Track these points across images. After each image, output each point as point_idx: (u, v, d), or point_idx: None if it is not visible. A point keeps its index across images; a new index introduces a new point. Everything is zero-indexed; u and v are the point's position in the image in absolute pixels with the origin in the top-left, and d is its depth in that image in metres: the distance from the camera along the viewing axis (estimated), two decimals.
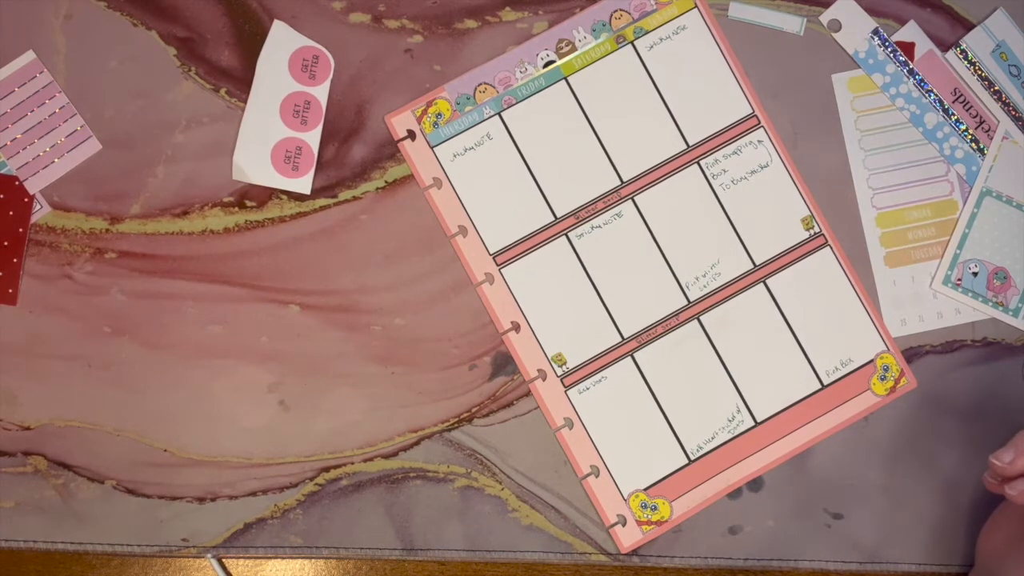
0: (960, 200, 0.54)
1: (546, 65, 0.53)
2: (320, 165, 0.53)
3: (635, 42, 0.53)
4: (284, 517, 0.52)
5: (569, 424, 0.52)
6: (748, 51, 0.53)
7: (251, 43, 0.53)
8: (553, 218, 0.53)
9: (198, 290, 0.52)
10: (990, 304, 0.53)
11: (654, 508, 0.52)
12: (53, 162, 0.53)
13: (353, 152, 0.53)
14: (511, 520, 0.52)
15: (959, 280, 0.53)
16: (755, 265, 0.53)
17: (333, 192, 0.53)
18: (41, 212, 0.53)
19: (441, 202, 0.53)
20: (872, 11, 0.54)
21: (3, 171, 0.53)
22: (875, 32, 0.54)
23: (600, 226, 0.53)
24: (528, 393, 0.52)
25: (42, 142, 0.53)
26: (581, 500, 0.52)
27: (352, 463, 0.52)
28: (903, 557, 0.52)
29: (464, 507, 0.52)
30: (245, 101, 0.53)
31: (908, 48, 0.54)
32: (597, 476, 0.52)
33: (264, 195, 0.53)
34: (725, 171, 0.53)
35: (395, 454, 0.52)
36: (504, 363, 0.52)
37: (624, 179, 0.53)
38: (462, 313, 0.52)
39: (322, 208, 0.53)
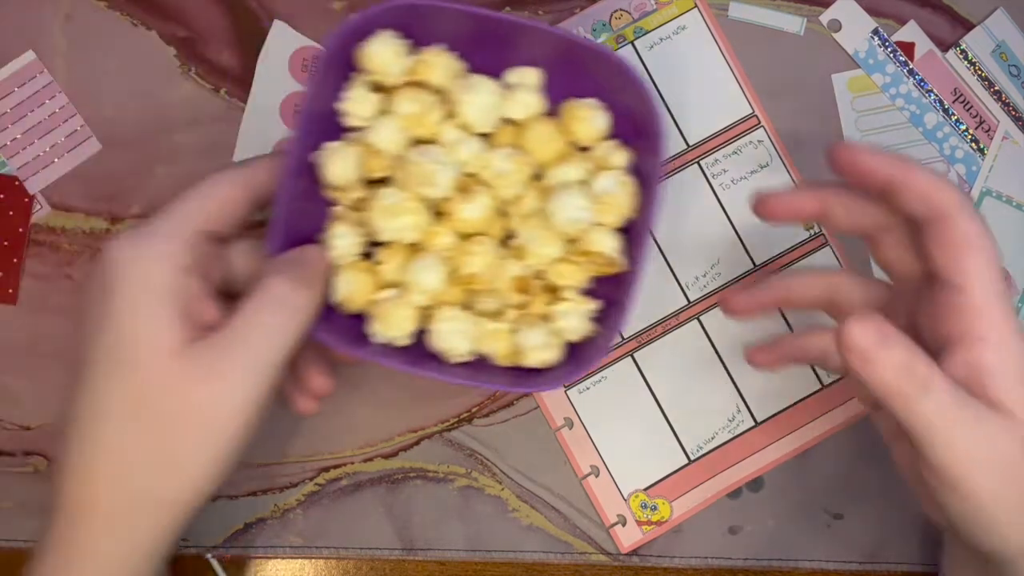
0: None
1: None
2: None
3: (635, 42, 0.53)
4: (284, 517, 0.52)
5: (569, 424, 0.52)
6: (748, 51, 0.53)
7: (251, 43, 0.53)
8: None
9: None
10: None
11: (654, 508, 0.52)
12: (53, 162, 0.53)
13: None
14: (511, 520, 0.52)
15: None
16: (755, 265, 0.53)
17: None
18: (41, 212, 0.53)
19: None
20: (872, 11, 0.54)
21: (3, 171, 0.53)
22: (875, 32, 0.54)
23: None
24: (528, 393, 0.52)
25: (42, 142, 0.53)
26: (581, 500, 0.52)
27: (352, 463, 0.52)
28: (903, 557, 0.52)
29: (464, 507, 0.52)
30: (245, 101, 0.53)
31: (908, 48, 0.54)
32: (597, 476, 0.52)
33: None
34: (725, 171, 0.53)
35: (395, 454, 0.52)
36: None
37: None
38: None
39: None
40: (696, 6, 0.53)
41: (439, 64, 0.41)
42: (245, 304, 0.37)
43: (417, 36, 0.41)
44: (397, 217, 0.40)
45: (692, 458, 0.52)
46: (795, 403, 0.52)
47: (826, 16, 0.54)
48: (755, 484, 0.52)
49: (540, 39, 0.41)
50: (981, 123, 0.54)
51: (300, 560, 0.52)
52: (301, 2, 0.53)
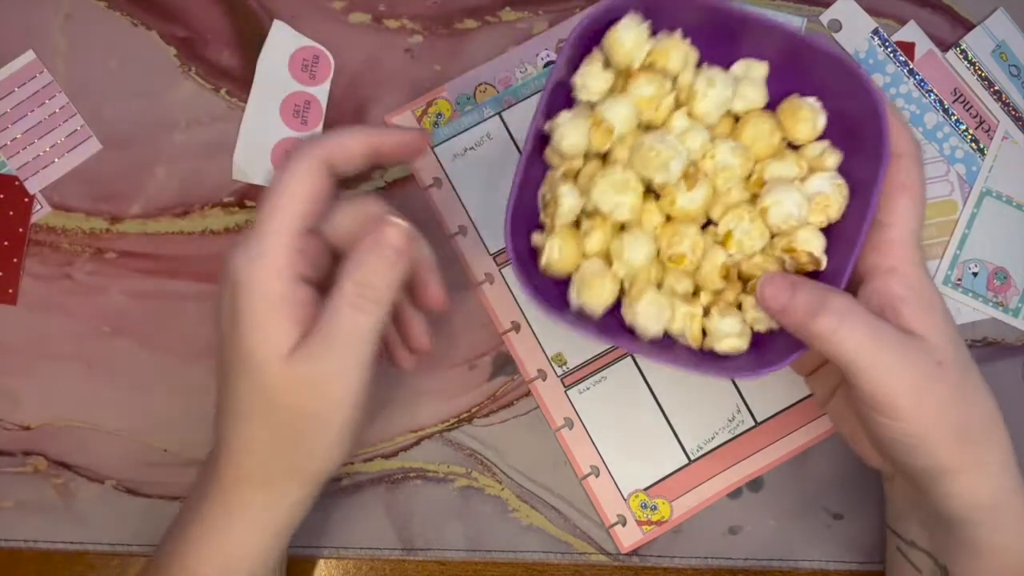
0: (960, 200, 0.54)
1: (546, 65, 0.53)
2: None
3: None
4: None
5: (569, 424, 0.52)
6: None
7: (251, 43, 0.53)
8: None
9: (198, 290, 0.52)
10: (990, 304, 0.53)
11: (654, 508, 0.52)
12: (53, 162, 0.53)
13: None
14: (511, 520, 0.52)
15: (959, 280, 0.53)
16: None
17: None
18: (41, 212, 0.53)
19: (441, 202, 0.53)
20: (872, 11, 0.54)
21: (3, 171, 0.53)
22: (875, 32, 0.54)
23: None
24: (528, 393, 0.52)
25: (42, 142, 0.53)
26: (581, 500, 0.52)
27: (352, 463, 0.52)
28: None
29: (464, 507, 0.52)
30: (245, 101, 0.53)
31: (908, 48, 0.54)
32: (597, 476, 0.52)
33: None
34: None
35: (395, 454, 0.52)
36: (504, 363, 0.52)
37: None
38: (462, 313, 0.52)
39: None
40: None
41: (676, 52, 0.41)
42: (328, 307, 0.39)
43: (653, 23, 0.42)
44: (620, 194, 0.40)
45: (692, 458, 0.52)
46: (795, 403, 0.52)
47: (826, 16, 0.54)
48: (755, 484, 0.52)
49: (769, 34, 0.42)
50: (981, 123, 0.54)
51: (300, 560, 0.52)
52: (301, 2, 0.53)
